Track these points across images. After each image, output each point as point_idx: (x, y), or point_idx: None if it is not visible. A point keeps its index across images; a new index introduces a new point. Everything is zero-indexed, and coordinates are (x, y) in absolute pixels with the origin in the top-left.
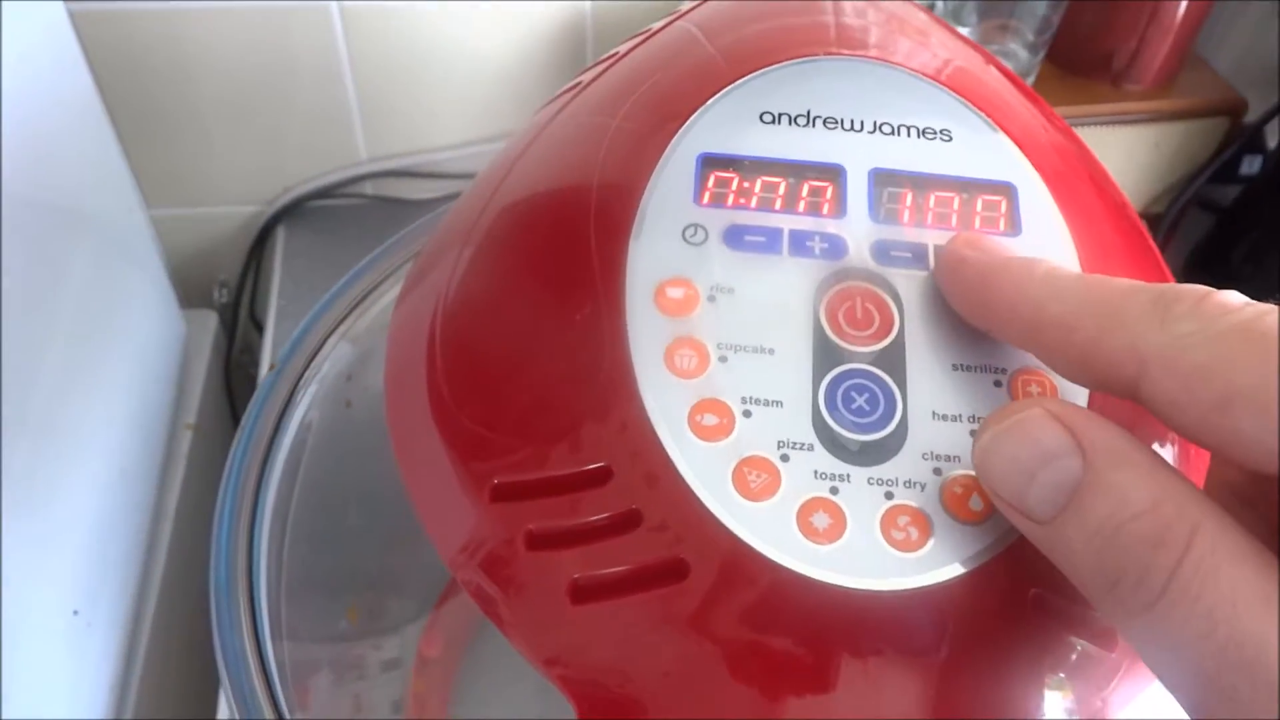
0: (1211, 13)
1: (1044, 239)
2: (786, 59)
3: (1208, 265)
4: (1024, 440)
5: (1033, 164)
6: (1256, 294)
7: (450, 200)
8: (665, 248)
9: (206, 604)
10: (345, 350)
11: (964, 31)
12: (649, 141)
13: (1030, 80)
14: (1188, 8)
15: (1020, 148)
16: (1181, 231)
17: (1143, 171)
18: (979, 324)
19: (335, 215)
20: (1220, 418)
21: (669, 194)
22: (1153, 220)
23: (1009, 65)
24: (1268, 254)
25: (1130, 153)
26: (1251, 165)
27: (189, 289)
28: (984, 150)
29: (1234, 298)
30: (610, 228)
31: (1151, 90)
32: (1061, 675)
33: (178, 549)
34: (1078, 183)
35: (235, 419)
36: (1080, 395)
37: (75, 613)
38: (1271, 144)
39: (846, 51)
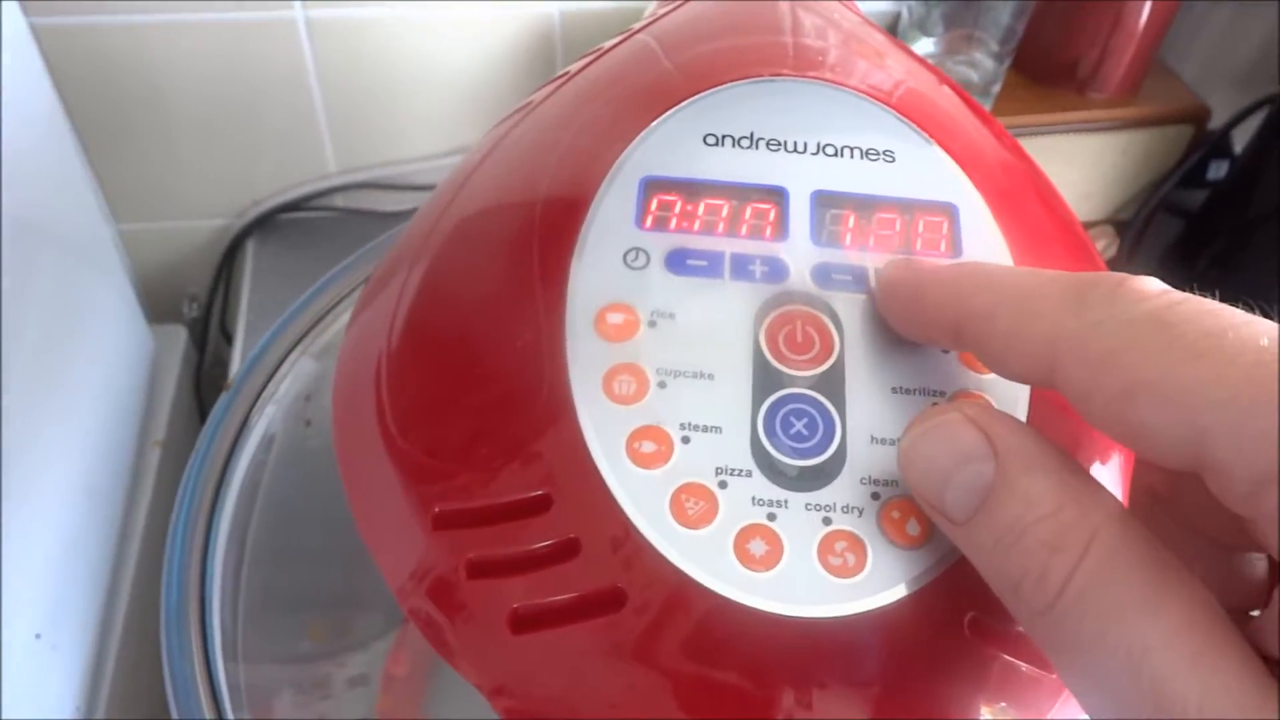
0: (1176, 20)
1: (984, 258)
2: (731, 80)
3: (1177, 268)
4: (941, 443)
5: (976, 184)
6: (1226, 296)
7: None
8: (607, 272)
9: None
10: (306, 367)
11: (930, 41)
12: (592, 164)
13: (996, 89)
14: (1149, 17)
15: (964, 167)
16: (1151, 236)
17: (1111, 178)
18: (913, 335)
19: (305, 228)
20: (1124, 408)
21: (611, 217)
22: (1122, 225)
23: (974, 75)
24: (1236, 257)
25: (1098, 160)
26: (1219, 170)
27: (159, 303)
28: (926, 171)
29: (1150, 285)
30: (553, 252)
31: (1116, 98)
32: (1003, 702)
33: (145, 569)
34: (1022, 201)
35: None
36: (1022, 399)
37: (38, 636)
38: (1238, 149)
39: (791, 73)
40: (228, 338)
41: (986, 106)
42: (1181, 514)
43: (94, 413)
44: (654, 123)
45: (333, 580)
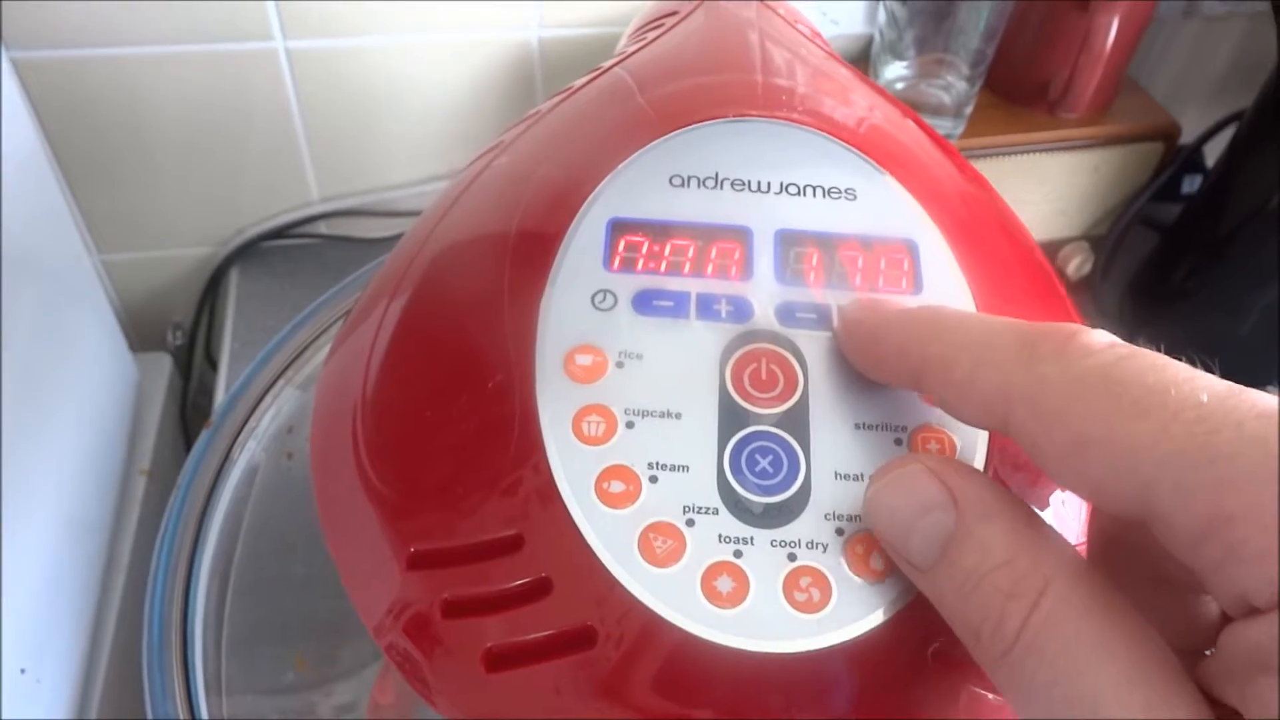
0: (1146, 38)
1: (944, 294)
2: (697, 121)
3: (1152, 282)
4: (903, 494)
5: (935, 219)
6: (1199, 309)
7: (401, 239)
8: (575, 313)
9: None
10: (288, 399)
11: (902, 65)
12: (561, 206)
13: (968, 110)
14: (1116, 37)
15: (924, 203)
16: (1126, 250)
17: (1084, 195)
18: (875, 377)
19: (289, 255)
20: (1074, 461)
21: (580, 259)
22: (1097, 241)
23: (947, 98)
24: (1209, 270)
25: (1071, 178)
26: (1192, 184)
27: (143, 332)
28: (887, 207)
29: (1098, 339)
30: (523, 293)
31: (1087, 117)
32: None
33: (131, 599)
34: (983, 234)
35: None
36: (983, 436)
37: (22, 671)
38: (1210, 163)
39: (756, 113)
40: (213, 365)
41: (959, 128)
42: (1136, 556)
43: (79, 442)
44: (621, 165)
45: (318, 610)
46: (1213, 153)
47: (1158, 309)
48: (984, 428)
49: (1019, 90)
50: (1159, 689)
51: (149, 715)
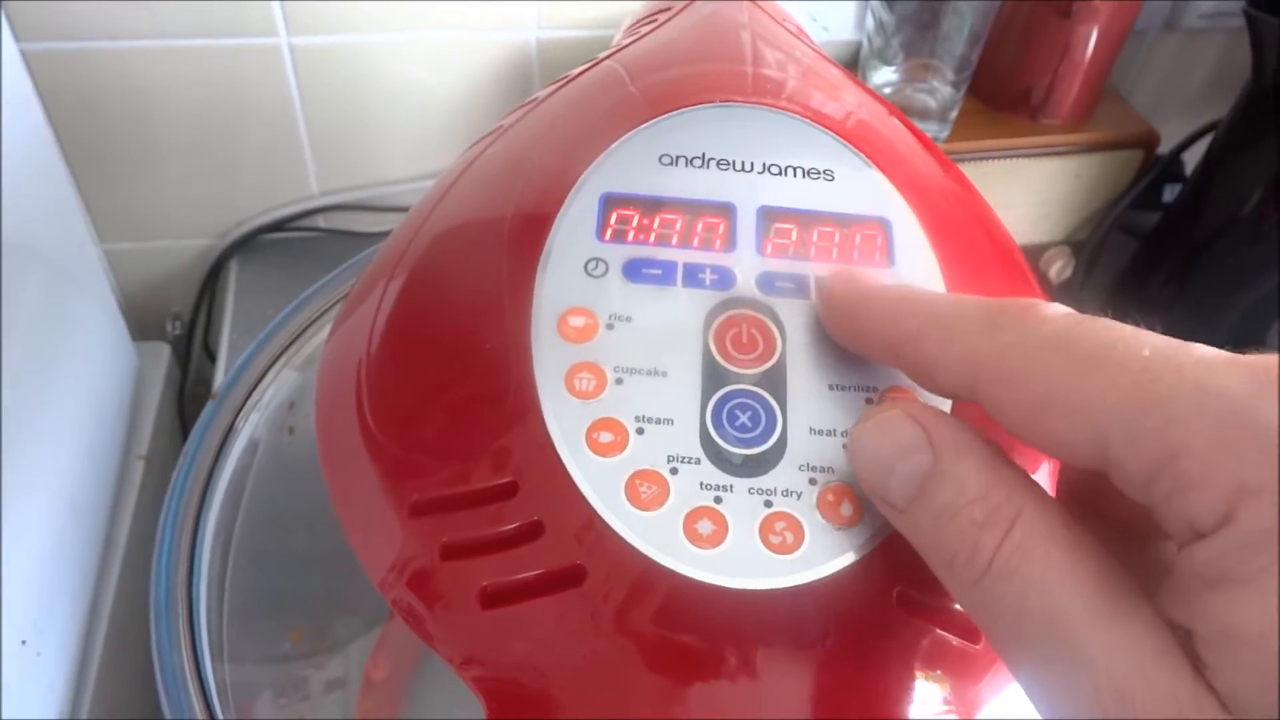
0: (1128, 49)
1: (914, 269)
2: (686, 105)
3: (1131, 288)
4: (884, 437)
5: (909, 202)
6: (1178, 314)
7: None
8: (569, 280)
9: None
10: (289, 377)
11: (889, 70)
12: (557, 182)
13: (954, 115)
14: (1096, 46)
15: (898, 187)
16: (1106, 257)
17: (1065, 200)
18: (852, 349)
19: (288, 248)
20: (1038, 419)
21: (574, 231)
22: (1078, 246)
23: (933, 102)
24: (1188, 277)
25: (1052, 182)
26: (1172, 192)
27: (143, 321)
28: (863, 189)
29: (1054, 310)
30: (520, 262)
31: (1068, 124)
32: (938, 670)
33: (128, 579)
34: (955, 220)
35: None
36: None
37: (24, 642)
38: (1189, 172)
39: (741, 99)
40: (211, 355)
41: (945, 132)
42: (1098, 507)
43: (79, 428)
44: (614, 144)
45: (314, 583)
46: (1193, 162)
47: (1138, 313)
48: (952, 396)
49: (1002, 96)
50: (1116, 604)
51: (158, 671)
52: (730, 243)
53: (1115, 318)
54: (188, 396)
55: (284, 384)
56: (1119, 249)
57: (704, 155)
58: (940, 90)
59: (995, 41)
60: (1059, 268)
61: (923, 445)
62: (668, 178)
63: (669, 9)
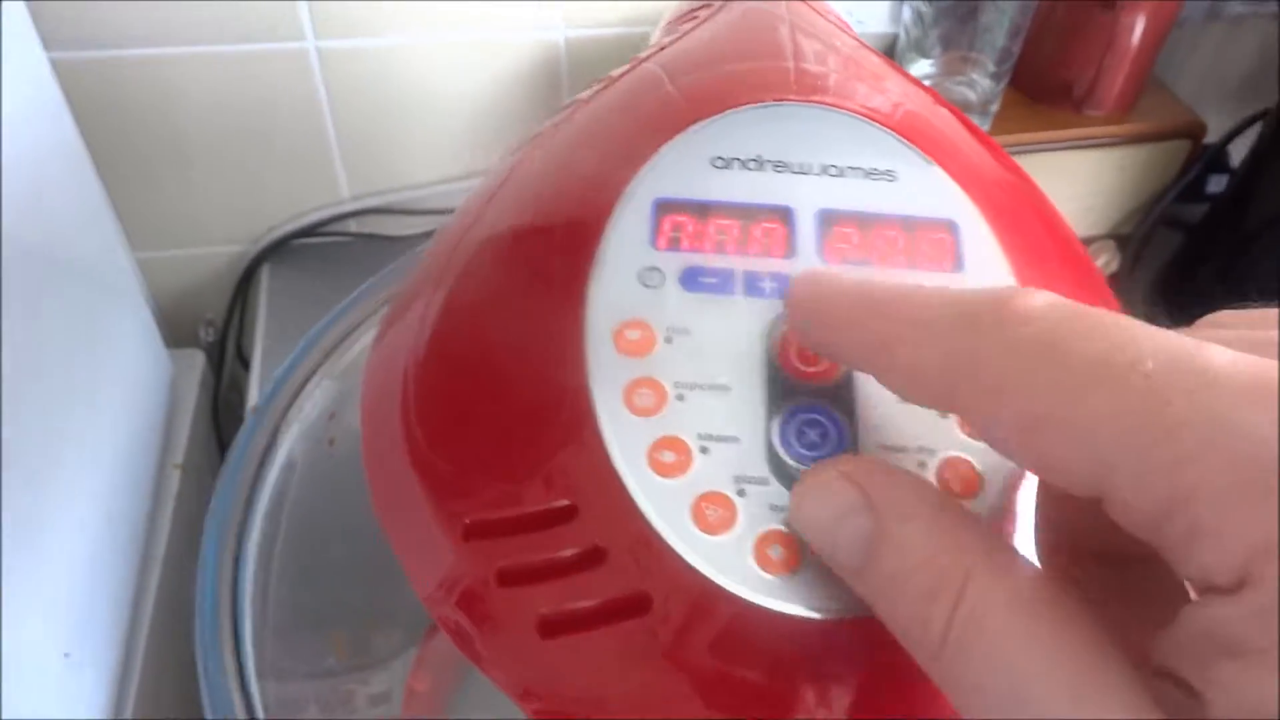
0: (1172, 37)
1: (986, 274)
2: (738, 105)
3: (1177, 282)
4: (821, 501)
5: (975, 201)
6: (1226, 307)
7: (431, 236)
8: (623, 290)
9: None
10: (328, 388)
11: (927, 63)
12: (606, 187)
13: (994, 108)
14: (1143, 35)
15: (963, 185)
16: (1151, 250)
17: (1110, 193)
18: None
19: (319, 253)
20: (1027, 440)
21: (626, 238)
22: (1123, 240)
23: (972, 95)
24: (1235, 268)
25: (1096, 176)
26: (1218, 184)
27: (176, 329)
28: (927, 189)
29: (1037, 301)
30: (571, 271)
31: (1113, 115)
32: None
33: (167, 588)
34: (1021, 217)
35: (223, 458)
36: None
37: (66, 655)
38: (1235, 162)
39: (796, 97)
40: (244, 362)
41: (985, 126)
42: (1089, 527)
43: (115, 437)
44: (664, 146)
45: (356, 596)
46: (1238, 152)
47: (1183, 307)
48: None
49: (1044, 88)
50: (1088, 674)
51: (204, 697)
52: (790, 248)
53: (1155, 314)
54: (222, 403)
55: (323, 395)
56: (1164, 242)
57: (759, 157)
58: (980, 83)
59: (1036, 33)
60: (1104, 262)
61: (861, 507)
62: (722, 181)
63: (709, 6)
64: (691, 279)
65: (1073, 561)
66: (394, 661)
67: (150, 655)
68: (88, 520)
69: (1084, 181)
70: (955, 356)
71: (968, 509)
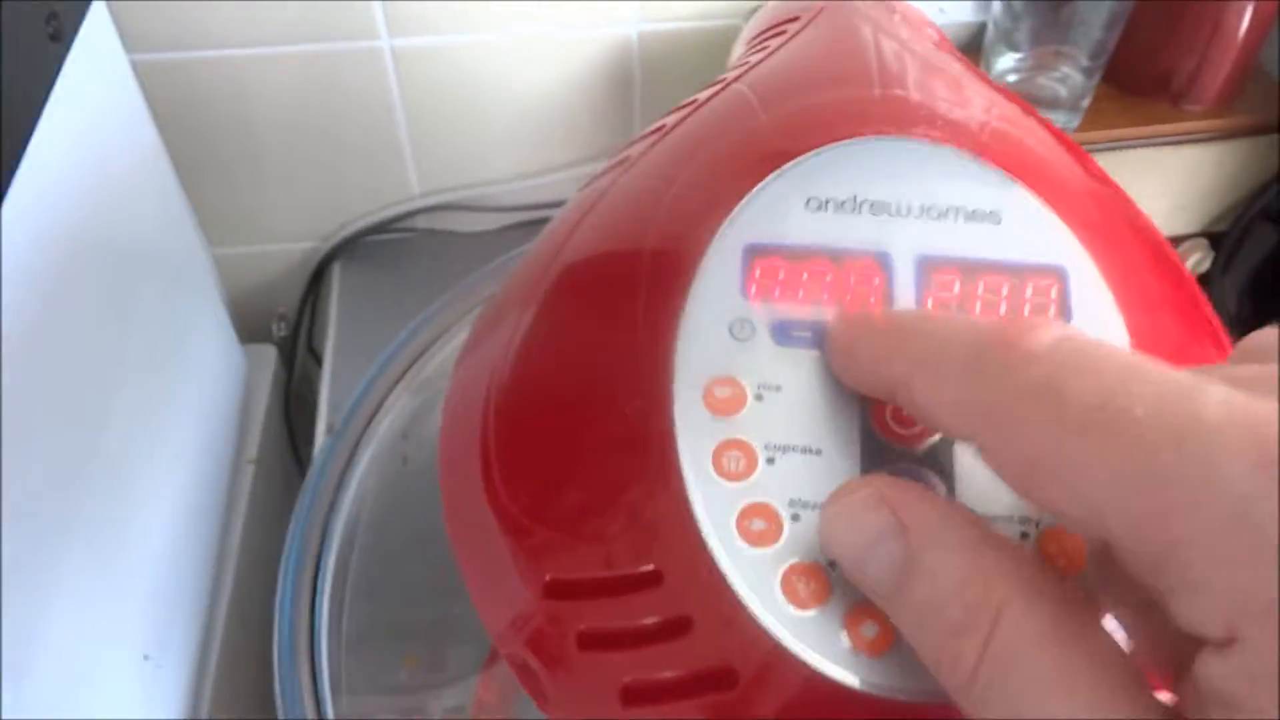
0: (1275, 21)
1: (1096, 323)
2: (831, 140)
3: (1273, 280)
4: (852, 524)
5: (1083, 241)
6: None
7: (501, 233)
8: (713, 343)
9: (270, 639)
10: (404, 404)
11: (1015, 58)
12: (696, 230)
13: (1085, 103)
14: (1251, 23)
15: (1069, 224)
16: (1247, 247)
17: (1205, 190)
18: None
19: (390, 249)
20: (1030, 483)
21: (715, 286)
22: (1216, 238)
23: (1063, 91)
24: None
25: (1193, 172)
26: None
27: (249, 324)
28: (1033, 231)
29: (1044, 339)
30: (659, 319)
31: (1213, 108)
32: None
33: (242, 585)
34: (1125, 247)
35: (295, 452)
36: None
37: (146, 657)
38: None
39: (891, 130)
40: (315, 356)
41: (1075, 122)
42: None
43: (194, 431)
44: (756, 187)
45: (428, 613)
46: None
47: (1277, 308)
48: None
49: (1139, 81)
50: (1117, 716)
51: (280, 716)
52: (887, 298)
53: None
54: (293, 398)
55: (399, 411)
56: (1260, 238)
57: (855, 198)
58: (1072, 77)
59: (1132, 22)
60: (1194, 262)
61: (894, 532)
62: (816, 224)
63: (796, 18)
64: (783, 332)
65: (1115, 600)
66: (467, 678)
67: (226, 654)
68: (168, 518)
69: (1179, 179)
70: (964, 400)
71: (1004, 535)
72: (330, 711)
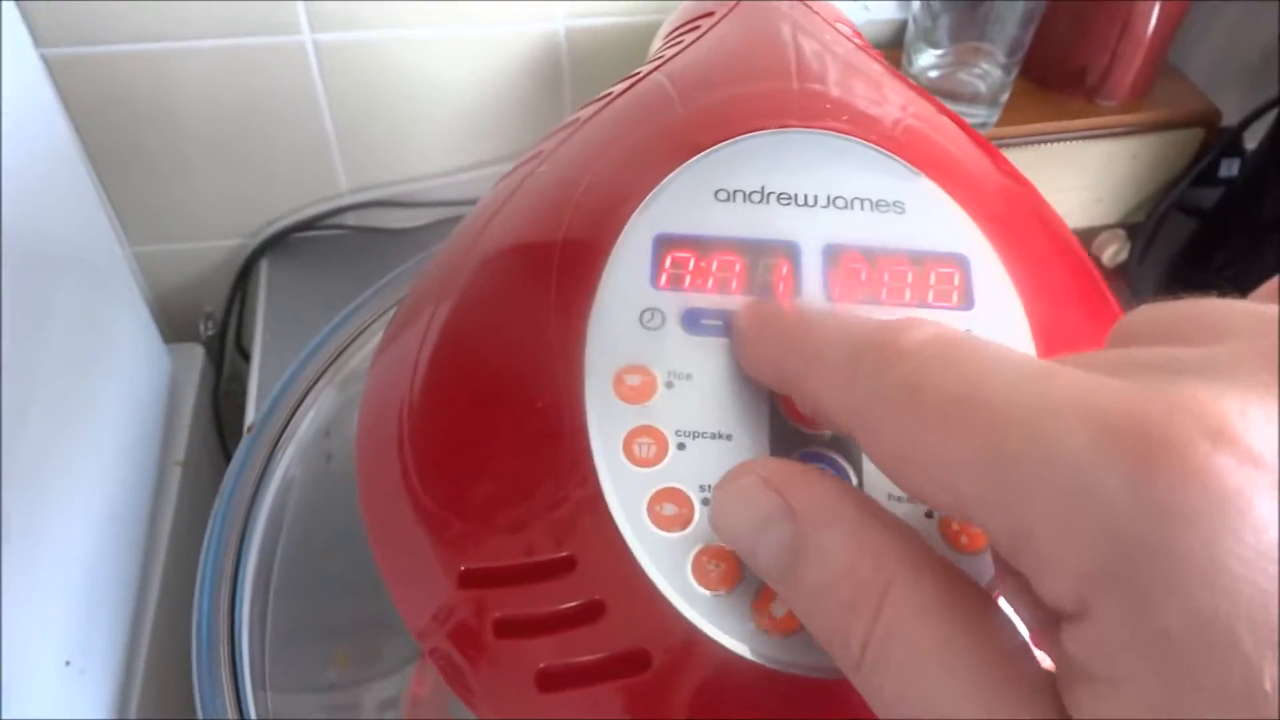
0: (1184, 20)
1: (996, 310)
2: (741, 133)
3: (1189, 269)
4: (740, 509)
5: (985, 231)
6: (1240, 293)
7: (430, 229)
8: (623, 333)
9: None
10: (325, 402)
11: (936, 55)
12: (606, 221)
13: (1004, 98)
14: (1158, 22)
15: (972, 214)
16: (1163, 237)
17: (1121, 183)
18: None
19: (318, 246)
20: (901, 476)
21: (626, 276)
22: (1133, 229)
23: (982, 86)
24: (1248, 255)
25: (1108, 165)
26: (1230, 168)
27: (175, 323)
28: (936, 221)
29: (916, 337)
30: (570, 310)
31: (1126, 104)
32: None
33: (170, 589)
34: (1029, 238)
35: (225, 453)
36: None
37: (68, 663)
38: (1250, 147)
39: (799, 124)
40: (244, 355)
41: (994, 117)
42: None
43: (116, 435)
44: (666, 178)
45: (356, 609)
46: (1252, 136)
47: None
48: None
49: (1055, 77)
50: (997, 688)
51: (199, 716)
52: (795, 286)
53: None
54: (222, 397)
55: (321, 409)
56: (1175, 229)
57: (763, 189)
58: (991, 73)
59: (1047, 20)
60: (1113, 252)
61: (782, 514)
62: (724, 215)
63: (712, 13)
64: (693, 321)
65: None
66: (404, 669)
67: (153, 659)
68: (90, 521)
69: (1095, 171)
70: (844, 398)
71: (892, 513)
72: (252, 710)
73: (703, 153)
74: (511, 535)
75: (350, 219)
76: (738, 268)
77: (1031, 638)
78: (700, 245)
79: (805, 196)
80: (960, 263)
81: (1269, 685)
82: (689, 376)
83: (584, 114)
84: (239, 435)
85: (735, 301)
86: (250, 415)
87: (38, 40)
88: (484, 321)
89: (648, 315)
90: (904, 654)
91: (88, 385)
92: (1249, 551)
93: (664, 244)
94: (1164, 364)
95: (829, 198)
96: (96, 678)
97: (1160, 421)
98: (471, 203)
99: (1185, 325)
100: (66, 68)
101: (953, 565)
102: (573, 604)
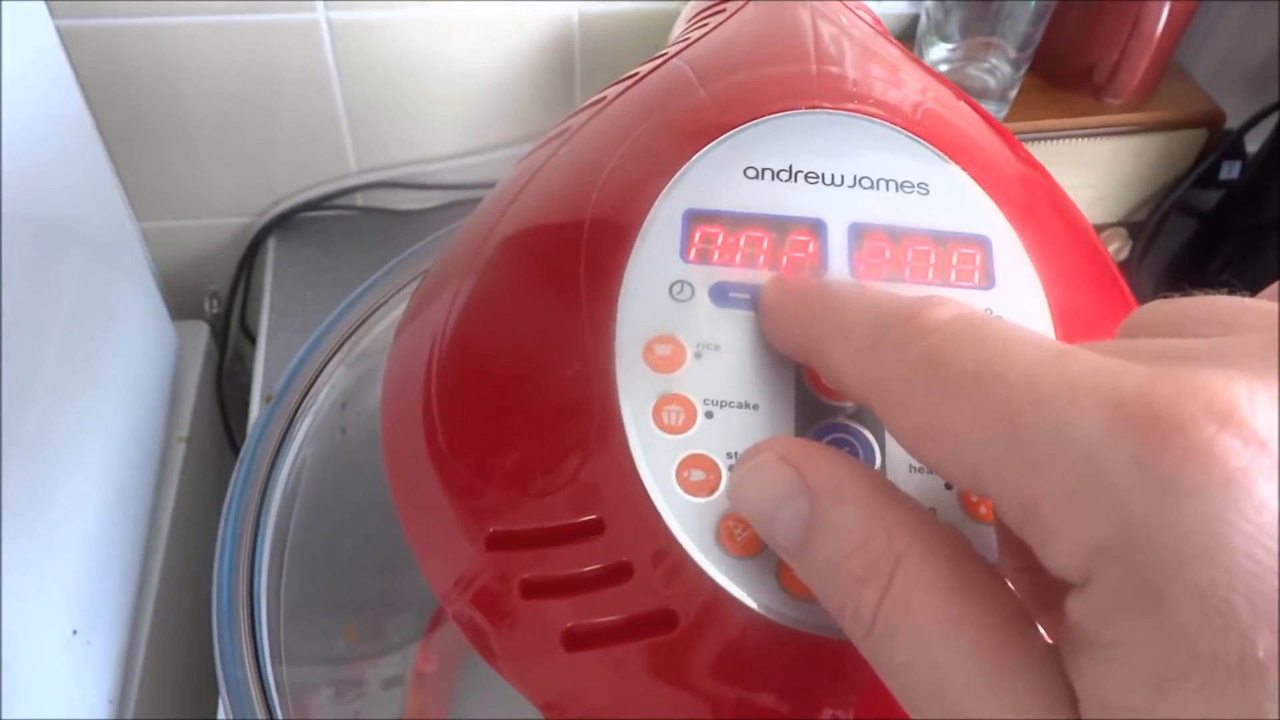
0: (1191, 22)
1: (1017, 291)
2: (770, 113)
3: (1189, 269)
4: (759, 485)
5: (1006, 214)
6: (1237, 294)
7: (438, 211)
8: (653, 304)
9: (203, 615)
10: (341, 376)
11: (947, 48)
12: (637, 196)
13: (1013, 94)
14: (1167, 22)
15: (994, 197)
16: (1163, 237)
17: (1125, 181)
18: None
19: (325, 226)
20: (917, 448)
21: (656, 249)
22: (1135, 227)
23: (992, 81)
24: (1247, 257)
25: (1113, 163)
26: (1231, 170)
27: (180, 301)
28: (959, 203)
29: (937, 317)
30: (601, 282)
31: (1133, 102)
32: None
33: (173, 562)
34: (1047, 224)
35: (228, 430)
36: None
37: (74, 632)
38: (1251, 150)
39: (827, 105)
40: (248, 334)
41: (1003, 112)
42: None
43: (121, 410)
44: (696, 155)
45: (366, 584)
46: (1254, 139)
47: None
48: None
49: (1063, 74)
50: (1002, 660)
51: (220, 680)
52: (821, 263)
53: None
54: (226, 375)
55: (337, 383)
56: (1176, 229)
57: (790, 168)
58: (1000, 69)
59: (1058, 17)
60: (1114, 250)
61: (798, 490)
62: (753, 192)
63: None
64: (722, 293)
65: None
66: (405, 647)
67: (157, 629)
68: (94, 495)
69: (1100, 169)
70: (866, 370)
71: (904, 491)
72: (271, 678)
73: (732, 131)
74: (541, 499)
75: (358, 199)
76: (765, 243)
77: (1038, 610)
78: (729, 221)
79: (832, 176)
80: (982, 244)
81: (1263, 654)
82: (717, 347)
83: (610, 93)
84: (241, 413)
85: (762, 276)
86: (256, 393)
87: (53, 10)
88: (513, 290)
89: (677, 288)
90: (912, 626)
91: (94, 359)
92: (1249, 527)
93: (694, 219)
94: (1175, 352)
95: (855, 178)
96: (102, 647)
97: (1170, 403)
98: (481, 186)
99: (1195, 320)
100: (81, 40)
101: (964, 542)
102: (601, 566)
